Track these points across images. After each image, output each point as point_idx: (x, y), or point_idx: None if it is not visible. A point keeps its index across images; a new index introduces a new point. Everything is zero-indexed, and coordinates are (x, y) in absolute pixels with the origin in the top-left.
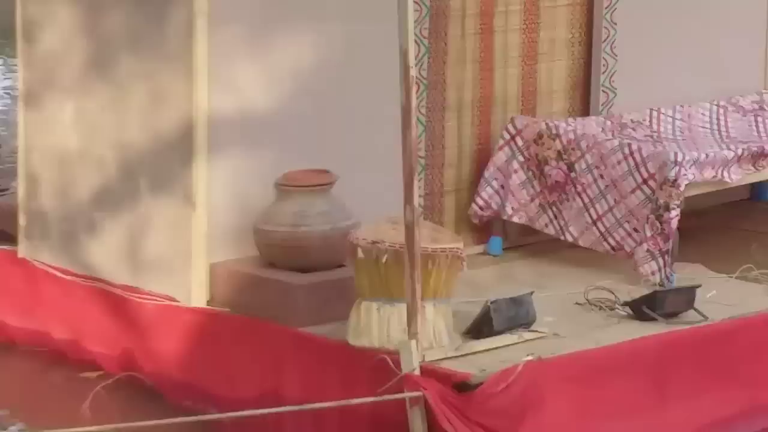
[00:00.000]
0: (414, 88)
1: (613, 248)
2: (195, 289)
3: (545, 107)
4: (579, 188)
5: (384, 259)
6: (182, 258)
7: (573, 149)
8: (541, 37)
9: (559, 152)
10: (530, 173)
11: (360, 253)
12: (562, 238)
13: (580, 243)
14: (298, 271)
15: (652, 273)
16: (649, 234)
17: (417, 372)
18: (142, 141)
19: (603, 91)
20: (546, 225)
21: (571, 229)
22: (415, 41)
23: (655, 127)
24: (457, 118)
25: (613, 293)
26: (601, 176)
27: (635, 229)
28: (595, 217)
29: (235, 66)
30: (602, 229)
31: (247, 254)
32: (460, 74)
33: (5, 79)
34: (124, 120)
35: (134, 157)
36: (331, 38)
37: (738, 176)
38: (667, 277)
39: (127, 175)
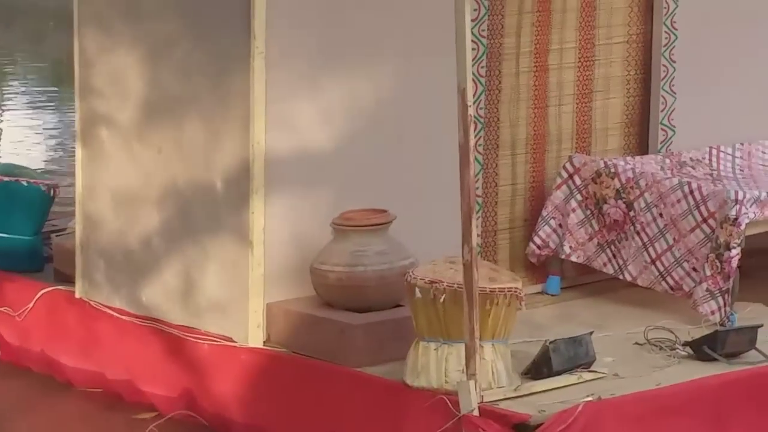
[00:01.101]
0: (472, 127)
1: (672, 288)
2: (252, 329)
3: (600, 145)
4: (638, 227)
5: (442, 299)
6: (239, 298)
7: (632, 188)
8: (596, 74)
9: (617, 191)
10: (588, 212)
11: (417, 293)
12: (621, 277)
13: (639, 282)
14: (354, 311)
15: (712, 312)
16: (708, 273)
17: (476, 413)
18: (198, 180)
19: (662, 129)
20: (604, 264)
21: (629, 268)
22: (473, 80)
23: (714, 165)
24: (511, 156)
25: (673, 333)
26: (661, 215)
27: (694, 269)
28: (654, 256)
29: (292, 104)
30: (661, 269)
31: (304, 294)
32: (514, 112)
33: (54, 118)
34: (180, 159)
35: (191, 197)
36: (388, 76)
37: None
38: (728, 317)
39: (183, 215)
